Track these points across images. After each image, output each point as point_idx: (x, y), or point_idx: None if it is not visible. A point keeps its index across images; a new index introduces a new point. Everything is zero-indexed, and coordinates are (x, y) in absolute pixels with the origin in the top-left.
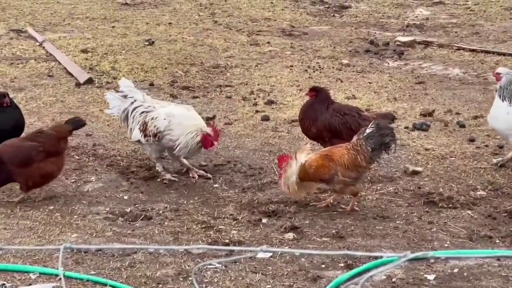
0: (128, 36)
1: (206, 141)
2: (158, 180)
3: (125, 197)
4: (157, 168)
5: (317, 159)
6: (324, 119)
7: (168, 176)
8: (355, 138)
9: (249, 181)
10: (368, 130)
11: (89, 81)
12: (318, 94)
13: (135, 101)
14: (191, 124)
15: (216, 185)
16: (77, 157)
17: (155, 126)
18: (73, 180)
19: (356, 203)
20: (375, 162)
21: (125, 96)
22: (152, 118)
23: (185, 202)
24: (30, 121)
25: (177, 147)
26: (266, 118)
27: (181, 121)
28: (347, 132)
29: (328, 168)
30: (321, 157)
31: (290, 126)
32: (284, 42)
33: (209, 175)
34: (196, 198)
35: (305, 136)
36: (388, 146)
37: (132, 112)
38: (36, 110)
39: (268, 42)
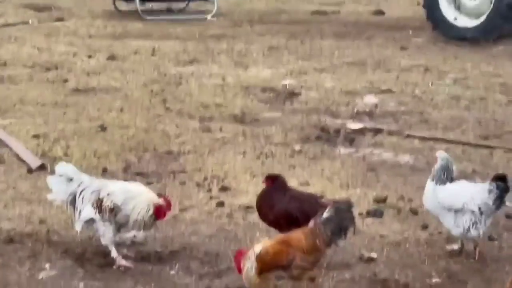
0: (79, 122)
1: (159, 213)
2: (114, 267)
3: (81, 285)
4: (112, 255)
5: (273, 245)
6: (281, 206)
7: (123, 262)
8: (311, 222)
9: (205, 267)
10: (326, 214)
11: (42, 167)
12: (274, 182)
13: (81, 182)
14: (144, 198)
15: (173, 272)
16: (30, 245)
17: (111, 201)
18: (27, 268)
19: None
20: (333, 246)
21: (70, 179)
22: (108, 194)
23: None
24: None
25: (132, 222)
26: (221, 204)
27: (136, 195)
28: (304, 218)
29: (286, 253)
30: (278, 243)
31: (245, 212)
32: (236, 128)
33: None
34: (152, 285)
35: (262, 223)
36: (347, 229)
37: (80, 193)
38: None
39: (221, 129)
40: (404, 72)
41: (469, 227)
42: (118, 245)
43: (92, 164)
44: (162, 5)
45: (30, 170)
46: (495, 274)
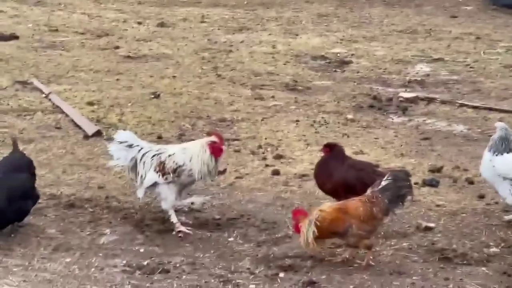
0: (133, 89)
1: (215, 150)
2: (173, 233)
3: (141, 250)
4: (171, 220)
5: (331, 212)
6: (339, 175)
7: (183, 228)
8: (369, 190)
9: (263, 235)
10: (384, 182)
11: (98, 133)
12: (332, 150)
13: (141, 148)
14: (197, 144)
15: (231, 239)
16: (91, 210)
17: (174, 162)
18: (88, 233)
19: (371, 257)
20: (391, 215)
21: (130, 146)
22: (169, 155)
23: (201, 255)
24: (42, 173)
25: (196, 173)
26: (276, 173)
27: (191, 147)
28: (362, 187)
29: (343, 221)
30: (335, 210)
31: (301, 181)
32: (288, 96)
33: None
34: (211, 251)
35: (318, 191)
36: (404, 198)
37: (141, 158)
38: (47, 162)
39: (273, 97)
40: (455, 40)
41: None
42: (176, 212)
43: (146, 131)
44: None
45: (86, 136)
46: None
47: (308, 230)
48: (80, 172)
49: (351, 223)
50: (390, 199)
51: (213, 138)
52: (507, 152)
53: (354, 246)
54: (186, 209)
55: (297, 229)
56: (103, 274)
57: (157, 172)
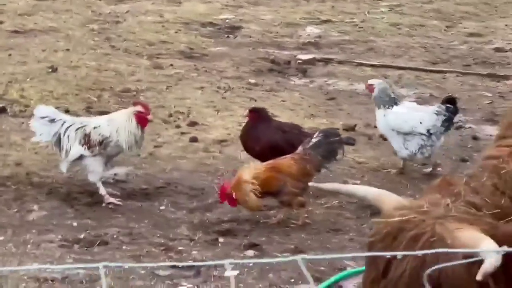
0: (28, 64)
1: (141, 119)
2: (103, 205)
3: (74, 224)
4: (100, 192)
5: (263, 171)
6: (266, 138)
7: (112, 199)
8: (300, 148)
9: (194, 202)
10: (315, 139)
11: (2, 110)
12: (258, 114)
13: (64, 122)
14: (123, 114)
15: (162, 207)
16: (13, 187)
17: (99, 134)
18: (16, 210)
19: (305, 215)
20: (323, 170)
21: (52, 120)
22: (94, 128)
23: (136, 225)
24: None
25: (124, 144)
26: (194, 140)
27: (116, 118)
28: (289, 148)
29: (276, 179)
30: (267, 169)
31: (220, 146)
32: (187, 64)
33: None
34: (146, 221)
35: (239, 155)
36: (336, 153)
37: (65, 132)
38: None
39: (171, 65)
40: (337, 1)
41: (418, 149)
42: (102, 184)
43: (52, 106)
44: None
45: None
46: None
47: (246, 190)
48: None
49: (285, 181)
50: (323, 155)
51: (138, 108)
52: (395, 103)
53: (288, 204)
54: (111, 181)
55: (233, 202)
56: (40, 250)
57: (82, 145)
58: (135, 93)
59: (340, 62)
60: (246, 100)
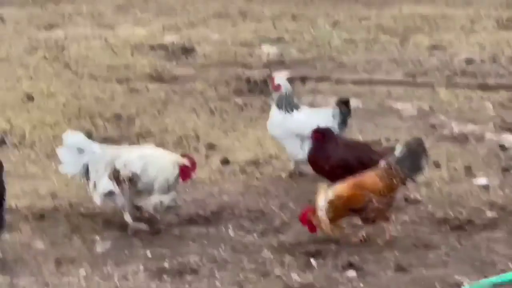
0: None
1: (184, 173)
2: (129, 232)
3: (148, 253)
4: (126, 219)
5: (346, 189)
6: (336, 156)
7: (140, 225)
8: (383, 163)
9: (259, 224)
10: (398, 153)
11: (1, 141)
12: (324, 134)
13: (94, 152)
14: (168, 160)
15: (230, 231)
16: (64, 218)
17: (129, 171)
18: (79, 242)
19: (391, 229)
20: (408, 184)
21: (81, 150)
22: (125, 164)
23: (215, 251)
24: None
25: (157, 186)
26: (226, 162)
27: (157, 158)
28: (359, 166)
29: (361, 196)
30: (350, 187)
31: (255, 167)
32: (162, 87)
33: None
34: (222, 246)
35: (283, 173)
36: (422, 164)
37: (93, 164)
38: None
39: (147, 88)
40: (275, 20)
41: None
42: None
43: (49, 133)
44: None
45: None
46: None
47: (324, 213)
48: (14, 182)
49: (370, 197)
50: (410, 167)
51: (185, 161)
52: (295, 108)
53: (373, 221)
54: (163, 208)
55: (312, 228)
56: (130, 282)
57: (111, 180)
58: (128, 118)
59: (319, 80)
60: (248, 121)
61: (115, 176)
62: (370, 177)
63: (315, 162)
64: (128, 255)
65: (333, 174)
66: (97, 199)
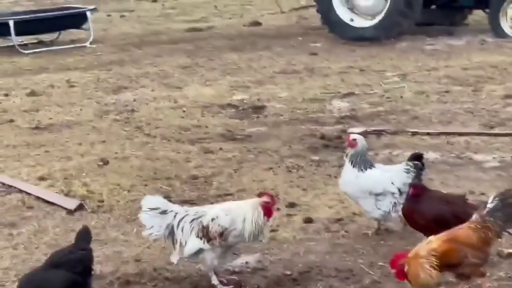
0: (74, 158)
1: (267, 210)
2: None
3: None
4: (212, 282)
5: (440, 244)
6: (432, 210)
7: None
8: (475, 216)
9: (350, 285)
10: (491, 204)
11: (80, 207)
12: (420, 188)
13: (176, 213)
14: (248, 205)
15: None
16: (150, 284)
17: (219, 225)
18: None
19: (488, 285)
20: (503, 236)
21: (163, 212)
22: (213, 219)
23: None
24: None
25: (247, 235)
26: (309, 221)
27: (239, 209)
28: (454, 220)
29: (457, 251)
30: (444, 241)
31: (339, 225)
32: (236, 147)
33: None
34: None
35: (369, 231)
36: None
37: (178, 225)
38: (54, 243)
39: (221, 149)
40: (342, 75)
41: (390, 210)
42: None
43: (128, 198)
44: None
45: (70, 211)
46: None
47: (426, 267)
48: (95, 247)
49: (465, 252)
50: (505, 219)
51: (265, 199)
52: (369, 167)
53: (467, 277)
54: (249, 269)
55: (401, 275)
56: None
57: (200, 238)
58: (205, 179)
59: (394, 133)
60: (326, 178)
61: (205, 233)
62: (464, 231)
63: (410, 216)
64: None
65: (428, 228)
66: (175, 259)
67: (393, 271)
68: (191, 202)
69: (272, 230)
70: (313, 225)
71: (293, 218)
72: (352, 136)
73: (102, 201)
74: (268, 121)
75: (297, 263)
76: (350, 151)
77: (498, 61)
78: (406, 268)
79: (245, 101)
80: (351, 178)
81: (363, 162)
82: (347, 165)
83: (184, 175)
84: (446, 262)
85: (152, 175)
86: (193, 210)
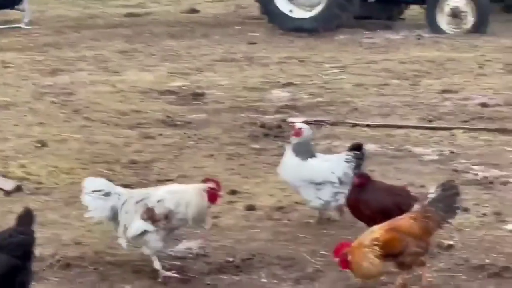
0: (11, 140)
1: (212, 196)
2: (159, 279)
3: None
4: (155, 266)
5: (382, 233)
6: (376, 201)
7: (168, 273)
8: (417, 206)
9: (292, 272)
10: (432, 195)
11: (18, 189)
12: (365, 179)
13: (120, 195)
14: (193, 189)
15: (263, 280)
16: (91, 267)
17: (164, 207)
18: None
19: (428, 274)
20: (443, 226)
21: (107, 194)
22: (158, 201)
23: None
24: None
25: (190, 219)
26: (251, 208)
27: (184, 192)
28: (397, 211)
29: (399, 241)
30: (386, 231)
31: (282, 213)
32: (177, 132)
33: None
34: None
35: (312, 219)
36: (457, 206)
37: (122, 207)
38: None
39: (160, 134)
40: (282, 64)
41: (330, 199)
42: (180, 258)
43: (67, 181)
44: None
45: (8, 192)
46: None
47: (369, 257)
48: (36, 229)
49: (407, 242)
50: (446, 210)
51: (210, 184)
52: (310, 156)
53: (408, 266)
54: (192, 255)
55: (344, 264)
56: None
57: (145, 219)
58: (145, 164)
59: (334, 124)
60: (267, 166)
61: (149, 215)
62: (406, 221)
63: (355, 206)
64: None
65: (373, 219)
66: (123, 243)
67: (337, 259)
68: (132, 187)
69: (215, 217)
70: (255, 212)
71: (235, 205)
72: (298, 125)
73: (41, 183)
74: (208, 108)
75: (239, 250)
76: (294, 139)
77: (435, 56)
78: (349, 257)
79: (184, 87)
80: (292, 167)
81: (306, 152)
82: (289, 154)
83: (124, 159)
84: (389, 252)
85: (91, 158)
86: (137, 192)
